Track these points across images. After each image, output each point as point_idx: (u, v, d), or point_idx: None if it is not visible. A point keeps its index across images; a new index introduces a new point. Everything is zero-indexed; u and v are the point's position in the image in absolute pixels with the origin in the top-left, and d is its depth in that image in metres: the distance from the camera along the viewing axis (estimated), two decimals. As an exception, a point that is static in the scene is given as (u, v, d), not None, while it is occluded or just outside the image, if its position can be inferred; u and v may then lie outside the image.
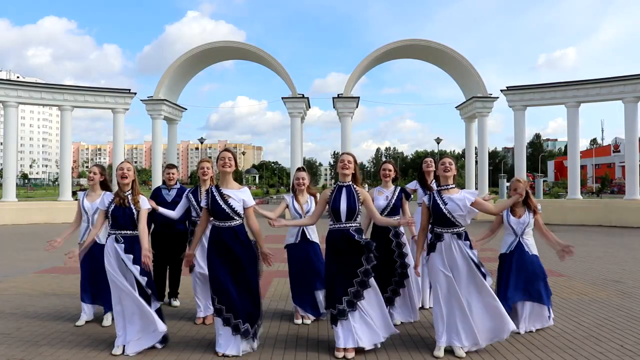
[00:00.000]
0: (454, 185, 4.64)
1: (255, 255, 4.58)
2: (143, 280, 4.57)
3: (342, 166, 4.63)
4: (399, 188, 5.65)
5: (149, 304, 4.59)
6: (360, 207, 4.57)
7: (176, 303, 6.28)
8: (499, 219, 5.34)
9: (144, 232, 4.69)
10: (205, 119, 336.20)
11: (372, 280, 4.48)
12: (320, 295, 5.51)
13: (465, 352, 4.43)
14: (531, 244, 5.21)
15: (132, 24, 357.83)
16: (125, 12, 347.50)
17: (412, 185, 6.30)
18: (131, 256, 4.58)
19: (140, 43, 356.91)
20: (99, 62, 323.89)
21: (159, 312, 4.69)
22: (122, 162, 4.94)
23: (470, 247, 4.52)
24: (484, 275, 4.50)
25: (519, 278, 5.11)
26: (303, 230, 5.53)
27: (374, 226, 5.58)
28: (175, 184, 6.25)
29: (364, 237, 4.56)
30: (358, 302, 4.42)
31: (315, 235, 5.60)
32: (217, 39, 49.39)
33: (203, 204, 4.61)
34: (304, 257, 5.52)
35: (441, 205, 4.52)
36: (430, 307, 6.02)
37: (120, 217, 4.64)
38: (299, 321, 5.47)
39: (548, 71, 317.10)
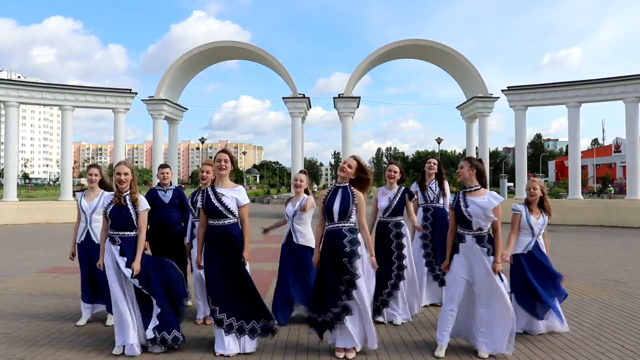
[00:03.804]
0: (479, 187, 4.52)
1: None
2: (136, 282, 4.52)
3: (341, 168, 4.61)
4: (402, 189, 5.63)
5: (150, 304, 4.58)
6: (355, 207, 4.50)
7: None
8: (516, 222, 5.17)
9: (141, 243, 4.61)
10: (208, 119, 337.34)
11: (356, 292, 4.31)
12: (301, 309, 5.37)
13: (463, 352, 4.43)
14: (542, 245, 5.20)
15: (137, 24, 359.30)
16: (131, 12, 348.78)
17: (413, 187, 6.31)
18: (125, 259, 4.54)
19: (145, 43, 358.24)
20: (104, 62, 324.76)
21: (162, 314, 4.61)
22: (118, 165, 4.69)
23: (489, 254, 4.39)
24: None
25: (545, 278, 5.03)
26: (290, 232, 5.48)
27: (377, 225, 5.58)
28: (170, 184, 6.22)
29: (357, 236, 4.46)
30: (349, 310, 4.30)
31: (304, 239, 5.44)
32: (223, 39, 49.28)
33: (199, 204, 4.62)
34: (287, 261, 5.47)
35: (462, 207, 4.47)
36: (425, 306, 6.04)
37: (118, 218, 4.59)
38: None
39: (551, 71, 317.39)
